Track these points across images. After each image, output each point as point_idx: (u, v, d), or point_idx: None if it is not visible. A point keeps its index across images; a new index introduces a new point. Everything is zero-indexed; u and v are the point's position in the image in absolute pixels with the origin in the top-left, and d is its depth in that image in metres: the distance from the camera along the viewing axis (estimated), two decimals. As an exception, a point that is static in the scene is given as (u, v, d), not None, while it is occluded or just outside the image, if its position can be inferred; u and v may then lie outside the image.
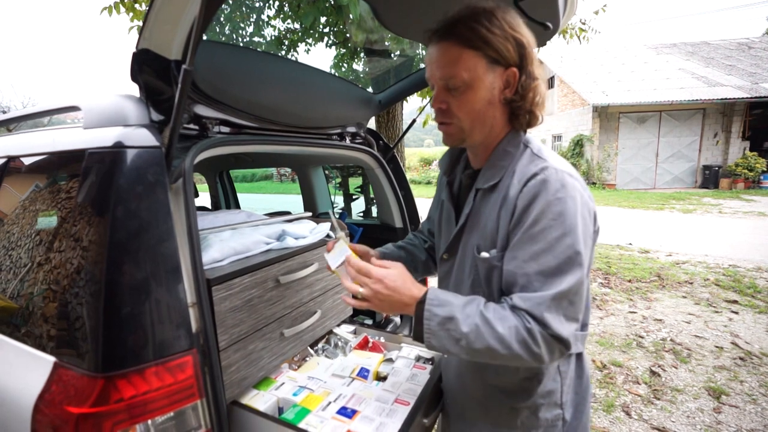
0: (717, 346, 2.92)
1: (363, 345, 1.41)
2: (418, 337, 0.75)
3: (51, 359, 0.84)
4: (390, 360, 1.27)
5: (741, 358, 2.74)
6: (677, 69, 14.88)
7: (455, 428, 0.99)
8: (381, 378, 1.20)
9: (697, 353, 2.85)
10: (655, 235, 6.66)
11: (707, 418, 2.16)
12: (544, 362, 0.70)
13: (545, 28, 1.16)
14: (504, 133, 0.81)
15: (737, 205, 9.40)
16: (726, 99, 11.97)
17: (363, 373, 1.19)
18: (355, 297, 0.80)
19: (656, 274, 4.62)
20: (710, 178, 12.60)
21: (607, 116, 13.31)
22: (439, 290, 0.78)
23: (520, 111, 0.78)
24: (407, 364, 1.23)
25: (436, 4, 1.05)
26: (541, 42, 1.38)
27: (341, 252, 0.93)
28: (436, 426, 1.15)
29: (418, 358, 1.27)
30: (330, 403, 1.05)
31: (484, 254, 0.79)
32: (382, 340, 1.45)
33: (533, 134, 0.85)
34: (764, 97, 11.72)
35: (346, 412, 1.00)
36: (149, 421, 0.78)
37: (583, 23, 5.00)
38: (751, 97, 11.83)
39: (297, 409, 1.01)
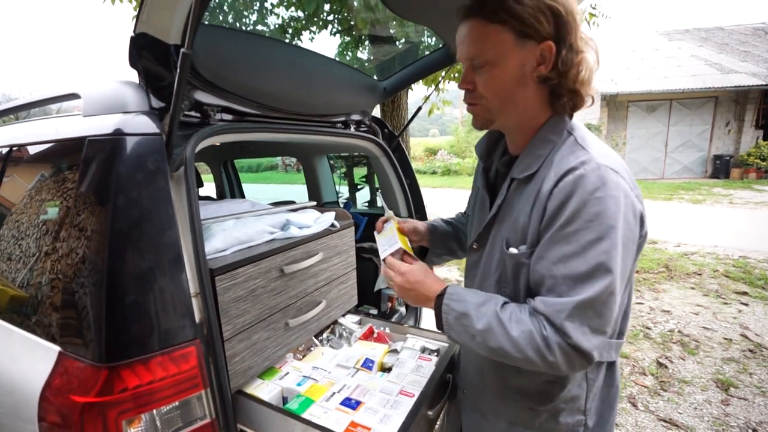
0: (726, 338, 2.89)
1: (368, 335, 1.40)
2: (440, 327, 0.77)
3: (56, 349, 0.84)
4: (395, 351, 1.27)
5: (750, 351, 2.71)
6: (689, 56, 14.52)
7: (469, 420, 0.97)
8: (386, 369, 1.20)
9: (705, 345, 2.82)
10: (663, 226, 6.57)
11: (715, 410, 2.14)
12: (561, 372, 0.66)
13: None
14: (545, 118, 0.74)
15: (749, 195, 9.24)
16: (740, 86, 11.67)
17: (367, 364, 1.19)
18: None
19: (664, 265, 4.57)
20: (721, 168, 12.36)
21: (615, 105, 13.07)
22: (460, 287, 0.78)
23: (561, 90, 0.70)
24: (412, 356, 1.23)
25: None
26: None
27: (391, 241, 0.96)
28: (441, 415, 1.14)
29: (423, 350, 1.26)
30: (334, 393, 1.04)
31: (513, 250, 0.73)
32: (388, 330, 1.45)
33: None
34: (779, 84, 11.41)
35: (350, 403, 1.00)
36: (154, 411, 0.78)
37: (593, 8, 4.87)
38: (766, 84, 11.52)
39: (301, 400, 1.01)
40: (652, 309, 3.45)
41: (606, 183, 0.63)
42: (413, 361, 1.19)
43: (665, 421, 2.07)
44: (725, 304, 3.50)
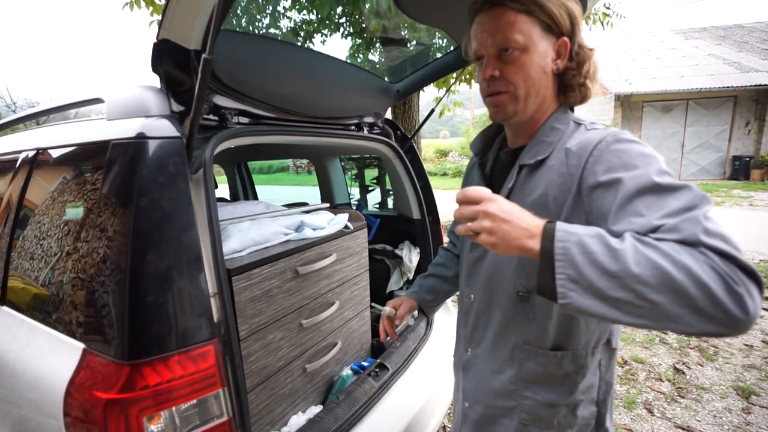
0: (746, 344, 2.81)
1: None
2: (546, 277, 0.55)
3: (80, 345, 0.86)
4: None
5: (772, 357, 2.63)
6: (707, 54, 14.20)
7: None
8: None
9: (724, 351, 2.75)
10: (680, 229, 6.41)
11: (735, 419, 2.08)
12: (749, 314, 0.47)
13: (573, 11, 1.11)
14: (552, 110, 0.77)
15: (769, 197, 8.98)
16: (761, 85, 11.37)
17: None
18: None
19: (681, 269, 4.46)
20: (740, 170, 12.04)
21: (630, 105, 12.85)
22: None
23: (573, 82, 0.75)
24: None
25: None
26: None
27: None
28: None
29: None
30: None
31: None
32: None
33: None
34: (802, 83, 11.09)
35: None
36: (173, 409, 0.80)
37: (608, 8, 4.81)
38: (788, 84, 11.20)
39: None
40: (669, 313, 3.37)
41: (635, 139, 0.66)
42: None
43: (683, 429, 2.02)
44: (745, 309, 3.41)
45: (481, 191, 0.61)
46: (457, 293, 0.97)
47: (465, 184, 0.98)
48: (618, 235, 0.56)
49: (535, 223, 0.58)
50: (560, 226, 0.56)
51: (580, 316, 0.58)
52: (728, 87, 11.57)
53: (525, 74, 0.72)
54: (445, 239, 1.27)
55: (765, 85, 11.40)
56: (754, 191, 9.91)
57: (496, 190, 0.79)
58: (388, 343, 1.58)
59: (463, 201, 0.62)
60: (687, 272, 0.48)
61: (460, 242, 1.02)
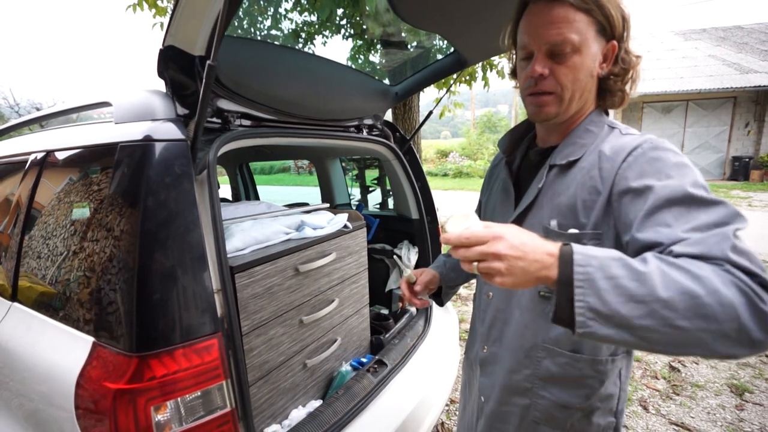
0: (741, 343, 2.84)
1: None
2: (563, 304, 0.52)
3: (90, 339, 0.90)
4: None
5: (767, 356, 2.66)
6: (707, 56, 14.22)
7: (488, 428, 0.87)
8: None
9: (720, 349, 2.78)
10: (679, 229, 6.41)
11: (729, 416, 2.11)
12: (751, 337, 0.46)
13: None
14: (588, 112, 0.76)
15: (768, 197, 8.99)
16: (760, 86, 11.39)
17: None
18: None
19: (679, 269, 4.48)
20: (740, 170, 12.07)
21: (630, 106, 12.87)
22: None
23: (614, 88, 0.74)
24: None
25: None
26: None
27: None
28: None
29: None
30: None
31: (573, 230, 0.69)
32: None
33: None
34: (801, 84, 11.10)
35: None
36: (179, 399, 0.83)
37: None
38: (788, 85, 11.22)
39: None
40: (666, 313, 3.40)
41: (677, 151, 0.65)
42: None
43: (677, 425, 2.05)
44: (742, 308, 3.43)
45: (482, 233, 0.55)
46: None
47: (488, 182, 0.97)
48: (642, 244, 0.58)
49: (549, 251, 0.54)
50: (577, 249, 0.53)
51: (595, 341, 0.58)
52: (728, 88, 11.59)
53: (575, 76, 0.69)
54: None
55: (764, 86, 11.42)
56: (753, 192, 9.92)
57: (523, 188, 0.81)
58: (387, 340, 1.62)
59: (463, 245, 0.55)
60: (716, 295, 0.47)
61: None
